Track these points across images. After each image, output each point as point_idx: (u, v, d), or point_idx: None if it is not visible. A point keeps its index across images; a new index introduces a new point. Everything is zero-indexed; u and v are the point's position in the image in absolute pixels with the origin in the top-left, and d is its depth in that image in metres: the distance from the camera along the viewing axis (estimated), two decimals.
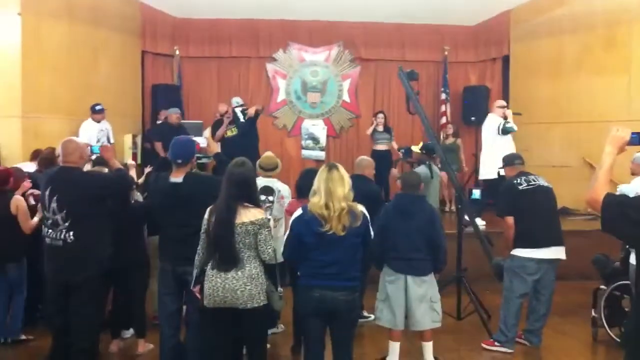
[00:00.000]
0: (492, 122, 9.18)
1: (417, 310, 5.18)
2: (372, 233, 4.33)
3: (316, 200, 4.07)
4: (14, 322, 5.85)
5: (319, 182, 4.13)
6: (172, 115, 9.82)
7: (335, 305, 4.11)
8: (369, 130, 10.82)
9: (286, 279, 5.28)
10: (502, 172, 6.33)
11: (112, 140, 9.56)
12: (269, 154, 6.33)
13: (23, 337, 5.83)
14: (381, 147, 10.67)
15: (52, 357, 5.23)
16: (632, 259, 5.34)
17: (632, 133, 2.96)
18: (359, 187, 5.22)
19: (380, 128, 10.76)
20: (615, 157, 2.94)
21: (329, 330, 4.26)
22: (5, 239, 5.66)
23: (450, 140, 11.27)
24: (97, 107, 9.25)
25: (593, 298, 6.20)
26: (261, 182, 5.91)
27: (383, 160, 10.46)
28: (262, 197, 5.75)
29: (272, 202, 5.88)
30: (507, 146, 8.71)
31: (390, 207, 5.42)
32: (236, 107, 10.32)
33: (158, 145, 9.76)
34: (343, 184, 4.11)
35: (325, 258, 4.09)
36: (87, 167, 5.45)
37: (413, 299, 5.17)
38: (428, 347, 5.34)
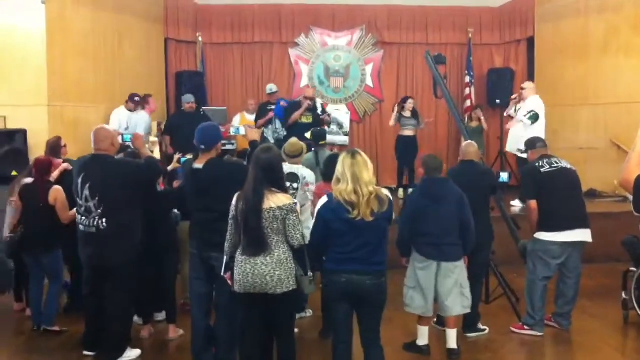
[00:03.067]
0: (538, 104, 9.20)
1: (448, 296, 5.18)
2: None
3: (343, 187, 4.08)
4: (48, 311, 5.90)
5: (343, 168, 4.13)
6: (185, 103, 9.67)
7: (362, 289, 4.12)
8: (392, 121, 10.69)
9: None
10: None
11: (140, 131, 9.46)
12: (293, 140, 6.34)
13: (57, 328, 5.86)
14: (408, 132, 10.57)
15: (85, 340, 5.36)
16: None
17: None
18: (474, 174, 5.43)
19: (408, 114, 10.68)
20: None
21: (357, 315, 4.28)
22: (43, 228, 5.70)
23: (476, 123, 11.20)
24: (136, 98, 9.32)
25: (623, 280, 6.16)
26: (286, 168, 5.90)
27: (410, 146, 10.44)
28: (287, 184, 5.76)
29: (297, 189, 5.89)
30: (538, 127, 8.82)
31: (418, 192, 5.38)
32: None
33: (166, 140, 9.65)
34: (368, 169, 4.12)
35: (353, 243, 4.10)
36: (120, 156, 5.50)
37: (444, 285, 5.16)
38: (453, 334, 5.33)
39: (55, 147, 6.58)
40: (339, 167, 4.17)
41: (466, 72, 12.22)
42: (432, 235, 5.11)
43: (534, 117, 9.02)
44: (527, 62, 12.23)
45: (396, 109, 10.62)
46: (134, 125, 9.24)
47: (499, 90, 11.65)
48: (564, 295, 5.97)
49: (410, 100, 10.74)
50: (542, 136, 7.94)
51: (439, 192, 5.23)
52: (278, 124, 10.01)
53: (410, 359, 5.36)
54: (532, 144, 6.19)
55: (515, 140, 8.99)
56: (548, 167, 5.87)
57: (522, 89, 9.46)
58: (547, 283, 5.91)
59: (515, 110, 9.55)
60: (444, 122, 12.28)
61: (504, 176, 6.85)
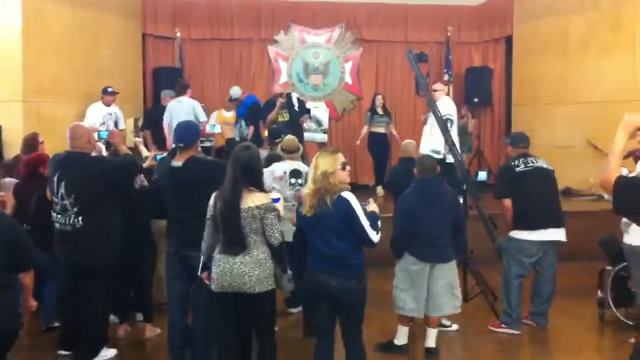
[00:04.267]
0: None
1: (440, 296, 5.19)
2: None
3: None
4: (46, 310, 5.76)
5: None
6: (166, 98, 9.54)
7: (331, 290, 4.10)
8: (363, 130, 10.68)
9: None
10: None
11: (121, 126, 9.38)
12: (290, 137, 6.44)
13: (57, 324, 5.72)
14: (379, 129, 10.54)
15: (61, 339, 5.29)
16: (627, 239, 5.33)
17: None
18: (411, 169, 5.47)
19: (380, 110, 10.65)
20: (626, 141, 2.92)
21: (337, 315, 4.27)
22: (37, 225, 5.49)
23: (464, 121, 11.19)
24: (109, 89, 9.16)
25: (599, 279, 6.20)
26: (289, 165, 6.08)
27: (381, 143, 10.41)
28: (292, 180, 5.93)
29: (301, 184, 5.88)
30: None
31: (412, 193, 5.32)
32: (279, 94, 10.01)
33: (147, 134, 9.45)
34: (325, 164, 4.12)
35: (320, 243, 4.13)
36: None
37: (437, 286, 5.16)
38: (433, 333, 5.35)
39: (32, 144, 6.48)
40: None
41: (445, 70, 12.22)
42: (427, 236, 5.08)
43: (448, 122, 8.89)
44: (505, 61, 12.30)
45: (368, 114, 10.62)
46: (111, 120, 9.14)
47: (477, 88, 11.70)
48: (539, 293, 6.01)
49: (378, 97, 10.71)
50: (455, 138, 8.06)
51: (432, 193, 5.22)
52: (242, 122, 9.90)
53: (389, 359, 5.34)
54: (515, 142, 6.20)
55: (427, 141, 8.87)
56: (523, 166, 5.90)
57: (434, 90, 9.35)
58: (522, 281, 5.94)
59: (427, 113, 9.22)
60: (421, 120, 12.27)
61: (482, 175, 6.88)
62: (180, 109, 8.83)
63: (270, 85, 12.16)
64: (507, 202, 5.88)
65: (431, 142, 8.49)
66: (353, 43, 12.48)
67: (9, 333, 3.85)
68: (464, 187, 6.72)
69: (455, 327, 5.95)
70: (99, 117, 9.04)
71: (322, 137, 12.17)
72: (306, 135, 11.99)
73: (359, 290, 4.17)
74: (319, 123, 12.21)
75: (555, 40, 10.92)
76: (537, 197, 5.83)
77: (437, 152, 8.03)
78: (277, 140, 7.10)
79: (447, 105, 8.79)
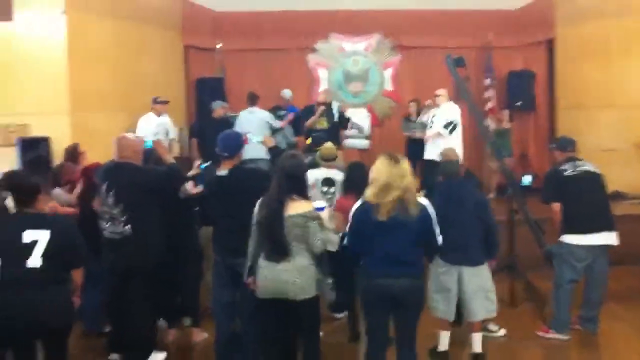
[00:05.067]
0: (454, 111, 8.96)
1: (472, 300, 5.13)
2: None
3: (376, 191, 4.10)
4: (87, 316, 5.85)
5: (375, 173, 4.15)
6: (217, 109, 9.68)
7: (394, 292, 4.10)
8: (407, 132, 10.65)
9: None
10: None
11: (171, 135, 9.51)
12: (329, 144, 6.45)
13: (106, 329, 5.77)
14: (413, 134, 10.44)
15: (110, 345, 5.39)
16: None
17: None
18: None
19: (414, 117, 10.61)
20: None
21: (393, 319, 4.27)
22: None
23: (506, 125, 11.03)
24: (159, 99, 9.27)
25: None
26: (322, 173, 6.08)
27: (414, 149, 10.35)
28: (324, 189, 5.91)
29: (334, 193, 5.90)
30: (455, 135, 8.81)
31: (438, 196, 5.28)
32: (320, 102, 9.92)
33: (193, 142, 9.62)
34: (404, 175, 4.13)
35: (384, 246, 4.10)
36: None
37: (469, 290, 5.11)
38: (477, 337, 5.30)
39: (74, 154, 6.61)
40: (373, 172, 4.18)
41: (486, 75, 12.13)
42: (454, 240, 5.02)
43: (453, 128, 8.77)
44: (547, 65, 12.12)
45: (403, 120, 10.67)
46: (163, 130, 9.28)
47: (520, 92, 11.57)
48: (590, 298, 5.91)
49: (410, 104, 10.71)
50: (459, 144, 8.27)
51: (459, 195, 5.19)
52: (288, 130, 9.92)
53: None
54: (562, 146, 6.12)
55: (435, 147, 8.69)
56: (571, 170, 5.82)
57: (436, 95, 9.22)
58: (574, 286, 5.85)
59: (431, 118, 9.25)
60: (469, 125, 12.15)
61: (527, 179, 6.80)
62: (252, 120, 9.29)
63: (310, 94, 12.20)
64: (556, 206, 5.81)
65: (434, 150, 8.46)
66: (392, 50, 12.45)
67: (64, 325, 4.07)
68: (509, 191, 6.66)
69: (502, 332, 5.89)
70: (151, 127, 9.08)
71: (365, 144, 12.13)
72: (348, 142, 12.05)
73: (422, 289, 4.26)
74: (360, 130, 12.20)
75: (597, 43, 10.72)
76: (586, 201, 5.75)
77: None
78: (317, 149, 7.16)
79: (452, 110, 8.78)
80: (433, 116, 9.12)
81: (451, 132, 8.71)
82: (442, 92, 9.15)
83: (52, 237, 3.89)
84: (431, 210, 4.17)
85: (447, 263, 5.12)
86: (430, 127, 9.10)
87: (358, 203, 4.23)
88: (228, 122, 9.35)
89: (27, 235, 3.86)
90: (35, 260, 3.82)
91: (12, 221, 4.03)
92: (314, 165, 6.34)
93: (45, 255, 3.85)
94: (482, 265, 5.20)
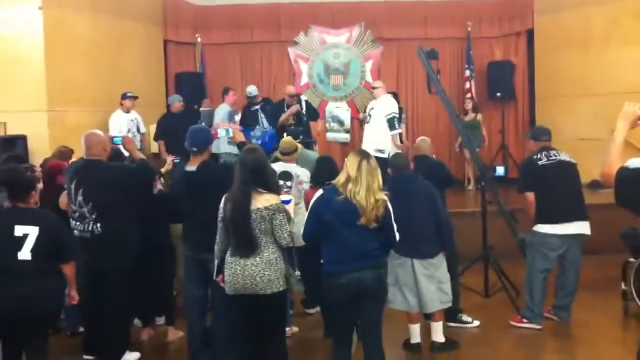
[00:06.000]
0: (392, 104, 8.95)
1: (426, 292, 5.17)
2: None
3: (357, 189, 4.08)
4: (69, 316, 5.81)
5: (359, 171, 4.11)
6: (174, 104, 9.67)
7: (362, 284, 4.13)
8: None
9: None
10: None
11: (142, 130, 9.62)
12: (287, 138, 6.40)
13: (81, 329, 5.78)
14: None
15: (85, 346, 5.38)
16: None
17: None
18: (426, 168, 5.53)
19: None
20: (627, 132, 2.91)
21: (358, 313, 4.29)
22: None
23: (471, 116, 11.06)
24: (129, 94, 9.30)
25: (622, 271, 6.15)
26: (279, 167, 5.99)
27: None
28: (281, 182, 5.79)
29: (290, 187, 5.89)
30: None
31: (388, 190, 5.32)
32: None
33: (161, 145, 9.49)
34: (378, 175, 4.17)
35: (350, 242, 4.11)
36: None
37: (421, 282, 5.16)
38: (437, 326, 5.37)
39: (66, 154, 6.59)
40: (353, 169, 4.13)
41: (466, 65, 12.16)
42: (404, 233, 5.06)
43: (392, 123, 8.72)
44: (527, 55, 12.16)
45: None
46: (134, 126, 9.31)
47: (500, 83, 11.57)
48: (563, 287, 5.97)
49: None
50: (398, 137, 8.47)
51: (407, 189, 5.20)
52: (265, 123, 9.78)
53: (404, 357, 5.37)
54: (536, 135, 6.15)
55: (371, 140, 8.81)
56: (546, 159, 5.85)
57: (373, 88, 9.21)
58: (547, 275, 5.90)
59: (369, 112, 9.23)
60: (444, 117, 12.15)
61: (500, 170, 6.84)
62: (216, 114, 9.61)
63: (285, 88, 12.14)
64: (530, 196, 5.85)
65: (375, 142, 8.56)
66: (373, 42, 12.44)
67: (48, 314, 4.24)
68: (483, 182, 6.69)
69: (476, 323, 5.93)
70: (123, 124, 9.18)
71: (345, 137, 12.20)
72: (329, 135, 12.09)
73: (384, 280, 4.31)
74: (341, 123, 12.24)
75: (577, 32, 10.77)
76: (560, 190, 5.79)
77: (382, 152, 8.20)
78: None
79: (390, 103, 8.82)
80: (371, 109, 9.12)
81: (392, 127, 8.68)
82: (379, 84, 9.20)
83: (40, 233, 4.07)
84: (389, 206, 4.19)
85: (401, 256, 5.16)
86: (368, 121, 9.10)
87: (319, 192, 4.23)
88: (193, 114, 9.32)
89: (19, 229, 4.06)
90: (25, 253, 4.04)
91: (5, 215, 4.21)
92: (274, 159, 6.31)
93: (34, 251, 4.04)
94: (435, 258, 5.24)
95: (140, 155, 5.34)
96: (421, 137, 6.46)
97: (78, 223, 4.91)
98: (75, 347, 5.53)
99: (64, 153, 6.56)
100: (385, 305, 4.45)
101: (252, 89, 9.97)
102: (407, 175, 5.34)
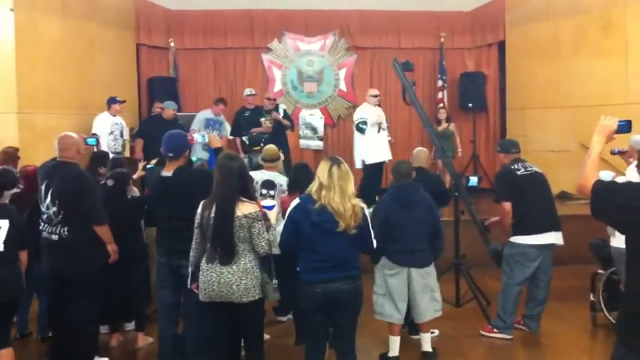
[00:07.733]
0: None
1: (420, 301, 5.18)
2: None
3: (331, 196, 4.05)
4: (42, 320, 5.77)
5: (331, 177, 4.09)
6: (168, 110, 9.55)
7: (338, 295, 4.12)
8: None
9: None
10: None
11: (125, 136, 9.52)
12: (270, 146, 6.35)
13: (50, 334, 5.66)
14: None
15: (52, 351, 5.27)
16: (613, 242, 5.38)
17: (620, 121, 2.98)
18: (424, 181, 5.55)
19: None
20: (603, 145, 2.96)
21: (333, 323, 4.28)
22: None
23: (444, 126, 11.12)
24: (118, 99, 9.23)
25: (591, 282, 6.22)
26: (263, 175, 5.96)
27: None
28: (264, 191, 5.79)
29: (273, 196, 5.84)
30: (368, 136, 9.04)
31: (389, 199, 5.36)
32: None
33: (139, 143, 9.39)
34: (351, 180, 4.16)
35: (326, 250, 4.09)
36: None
37: (417, 291, 5.16)
38: (427, 337, 5.35)
39: (13, 156, 6.48)
40: (324, 175, 4.11)
41: (438, 76, 12.27)
42: (404, 242, 5.09)
43: (361, 129, 9.00)
44: (498, 66, 12.31)
45: None
46: (118, 130, 9.24)
47: (472, 94, 11.71)
48: (535, 297, 6.01)
49: None
50: (374, 145, 8.78)
51: (410, 198, 5.23)
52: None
53: None
54: (506, 148, 6.19)
55: (359, 153, 9.14)
56: (523, 170, 5.89)
57: (376, 96, 9.34)
58: (523, 287, 5.93)
59: (375, 120, 9.26)
60: (417, 126, 12.24)
61: (473, 180, 6.89)
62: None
63: (264, 93, 12.15)
64: (507, 205, 5.83)
65: (361, 153, 8.80)
66: (347, 50, 12.50)
67: (15, 301, 4.68)
68: (456, 192, 6.73)
69: (436, 332, 5.86)
70: (106, 126, 9.09)
71: (318, 144, 12.20)
72: (302, 142, 12.08)
73: (362, 290, 4.26)
74: (314, 130, 12.25)
75: (546, 44, 10.95)
76: (537, 201, 5.84)
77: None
78: (255, 149, 7.11)
79: (360, 110, 9.20)
80: (378, 116, 9.20)
81: (362, 131, 8.93)
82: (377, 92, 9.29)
83: (10, 224, 4.49)
84: (367, 212, 4.18)
85: (397, 265, 5.14)
86: (384, 128, 9.20)
87: (295, 202, 4.21)
88: (178, 124, 9.25)
89: None
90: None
91: None
92: (257, 167, 6.27)
93: (6, 242, 4.46)
94: (430, 267, 5.27)
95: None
96: (419, 148, 6.50)
97: (46, 225, 4.83)
98: (45, 352, 5.43)
99: (8, 153, 6.47)
100: (360, 314, 4.41)
101: (250, 89, 10.24)
102: (408, 184, 5.34)
